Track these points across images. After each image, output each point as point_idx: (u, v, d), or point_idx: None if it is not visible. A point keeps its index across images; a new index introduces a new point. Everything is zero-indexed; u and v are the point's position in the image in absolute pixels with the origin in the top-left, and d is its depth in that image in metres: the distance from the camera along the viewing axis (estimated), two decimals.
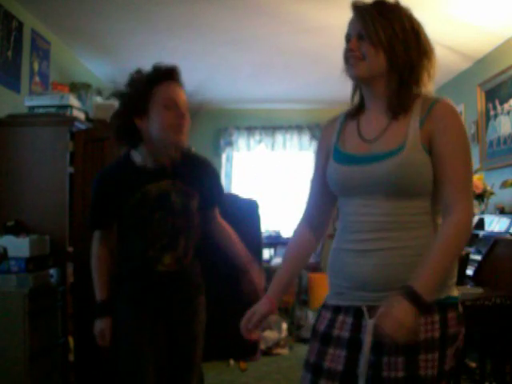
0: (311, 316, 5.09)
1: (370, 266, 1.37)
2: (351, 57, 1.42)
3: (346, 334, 1.42)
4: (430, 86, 1.45)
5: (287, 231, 6.39)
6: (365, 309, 1.39)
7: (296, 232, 1.64)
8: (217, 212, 2.21)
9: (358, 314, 1.41)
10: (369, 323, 1.36)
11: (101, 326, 2.05)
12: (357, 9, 1.44)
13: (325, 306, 1.52)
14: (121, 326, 2.06)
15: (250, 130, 6.72)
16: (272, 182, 6.74)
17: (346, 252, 1.43)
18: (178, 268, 2.03)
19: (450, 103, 1.41)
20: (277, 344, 4.67)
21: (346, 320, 1.43)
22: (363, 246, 1.39)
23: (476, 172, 3.41)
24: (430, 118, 1.38)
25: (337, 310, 1.46)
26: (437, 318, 1.34)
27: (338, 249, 1.48)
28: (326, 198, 1.57)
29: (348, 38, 1.45)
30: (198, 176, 2.09)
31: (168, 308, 2.06)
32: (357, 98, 1.53)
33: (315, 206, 1.61)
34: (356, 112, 1.52)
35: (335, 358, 1.42)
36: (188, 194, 2.05)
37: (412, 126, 1.38)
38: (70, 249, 3.20)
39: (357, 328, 1.40)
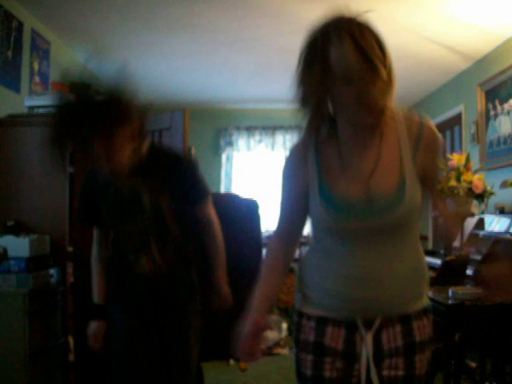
0: None
1: (377, 291, 1.36)
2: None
3: (339, 347, 1.40)
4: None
5: None
6: (360, 323, 1.38)
7: (271, 247, 1.50)
8: (204, 211, 2.08)
9: (351, 326, 1.40)
10: (367, 337, 1.38)
11: (95, 328, 2.07)
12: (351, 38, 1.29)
13: (303, 315, 1.45)
14: (112, 330, 2.07)
15: (250, 130, 6.72)
16: (272, 182, 6.73)
17: (346, 277, 1.37)
18: (158, 271, 2.00)
19: (432, 124, 1.43)
20: (277, 344, 4.68)
21: (337, 332, 1.40)
22: (366, 274, 1.36)
23: (476, 172, 3.41)
24: (422, 146, 1.38)
25: (321, 320, 1.42)
26: (426, 321, 1.42)
27: (330, 270, 1.40)
28: (300, 223, 1.48)
29: (349, 75, 1.26)
30: (169, 172, 2.00)
31: (157, 312, 2.04)
32: (325, 127, 1.38)
33: (288, 228, 1.50)
34: (328, 137, 1.39)
35: (334, 367, 1.40)
36: (157, 191, 1.97)
37: (404, 154, 1.36)
38: (70, 249, 3.19)
39: (352, 341, 1.40)
